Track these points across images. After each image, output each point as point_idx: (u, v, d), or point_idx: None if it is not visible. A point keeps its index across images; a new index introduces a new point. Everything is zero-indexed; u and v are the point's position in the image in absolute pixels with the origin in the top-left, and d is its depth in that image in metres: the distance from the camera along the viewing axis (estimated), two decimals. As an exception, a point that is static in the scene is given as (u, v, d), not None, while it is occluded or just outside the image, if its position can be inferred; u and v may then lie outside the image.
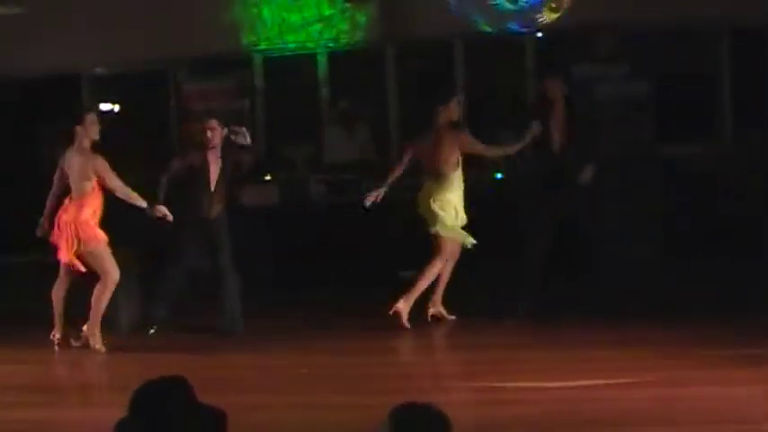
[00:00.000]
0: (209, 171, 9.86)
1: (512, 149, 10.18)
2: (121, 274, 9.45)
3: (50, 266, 9.62)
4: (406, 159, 10.24)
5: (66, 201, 9.49)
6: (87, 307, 9.41)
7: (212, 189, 9.88)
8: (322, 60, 14.32)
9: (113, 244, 9.42)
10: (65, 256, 9.38)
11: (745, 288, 10.55)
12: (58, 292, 9.58)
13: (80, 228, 9.34)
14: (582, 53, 13.24)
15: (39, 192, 9.81)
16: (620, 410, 6.81)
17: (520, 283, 9.81)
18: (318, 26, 14.18)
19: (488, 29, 12.63)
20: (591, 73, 13.02)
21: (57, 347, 9.46)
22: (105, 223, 9.41)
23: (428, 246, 10.04)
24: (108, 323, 9.62)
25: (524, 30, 12.95)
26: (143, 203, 9.44)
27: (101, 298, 9.39)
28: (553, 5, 12.38)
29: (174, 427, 3.40)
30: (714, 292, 10.54)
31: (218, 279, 9.83)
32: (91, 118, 9.56)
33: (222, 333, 9.70)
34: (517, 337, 9.17)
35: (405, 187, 12.56)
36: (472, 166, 12.71)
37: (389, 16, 13.91)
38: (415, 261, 12.23)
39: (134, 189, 9.46)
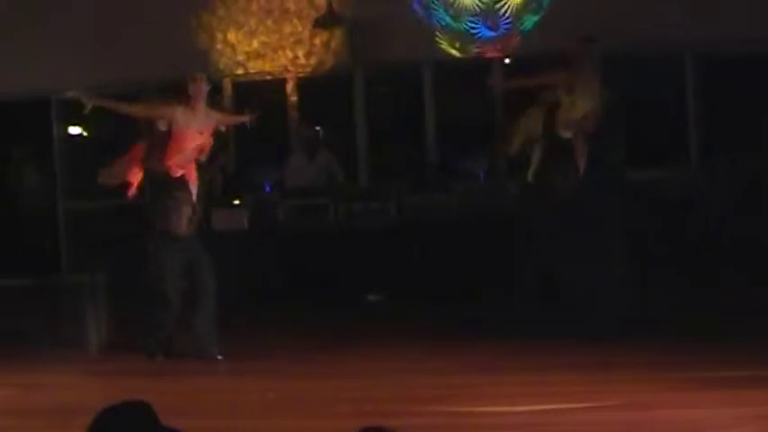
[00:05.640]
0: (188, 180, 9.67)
1: None
2: (91, 297, 9.44)
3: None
4: None
5: None
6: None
7: (194, 200, 9.70)
8: (291, 85, 14.37)
9: (85, 267, 9.40)
10: None
11: (713, 311, 10.64)
12: None
13: None
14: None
15: (10, 213, 9.79)
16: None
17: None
18: (287, 51, 14.25)
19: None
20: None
21: None
22: (77, 245, 9.41)
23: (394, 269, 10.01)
24: (77, 345, 9.60)
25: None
26: None
27: None
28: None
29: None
30: (682, 315, 10.62)
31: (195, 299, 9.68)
32: None
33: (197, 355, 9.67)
34: (482, 361, 9.20)
35: (371, 212, 12.68)
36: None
37: (358, 41, 13.98)
38: (381, 285, 12.36)
39: (106, 213, 9.40)
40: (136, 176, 9.71)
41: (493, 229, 12.12)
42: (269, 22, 14.35)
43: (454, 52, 12.68)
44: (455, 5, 12.46)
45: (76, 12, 14.47)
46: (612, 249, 10.01)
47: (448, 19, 12.73)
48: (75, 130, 14.96)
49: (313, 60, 14.21)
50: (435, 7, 12.61)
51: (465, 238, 12.29)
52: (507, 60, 13.73)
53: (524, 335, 9.70)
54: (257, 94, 14.37)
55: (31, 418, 8.25)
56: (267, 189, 13.58)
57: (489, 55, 12.97)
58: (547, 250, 9.96)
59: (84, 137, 15.12)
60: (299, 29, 14.20)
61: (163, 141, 9.58)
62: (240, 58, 14.33)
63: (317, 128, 13.82)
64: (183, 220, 9.59)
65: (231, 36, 14.30)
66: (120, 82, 14.15)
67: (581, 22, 12.83)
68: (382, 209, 12.72)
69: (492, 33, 12.53)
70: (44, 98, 14.68)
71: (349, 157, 14.21)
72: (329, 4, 14.00)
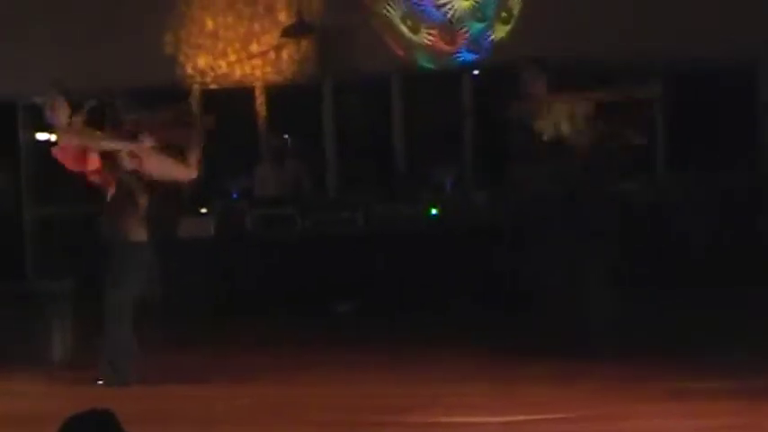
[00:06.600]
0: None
1: None
2: (56, 307, 9.37)
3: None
4: None
5: None
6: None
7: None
8: (259, 94, 14.37)
9: (50, 276, 9.33)
10: None
11: (684, 321, 10.69)
12: None
13: None
14: (519, 89, 13.36)
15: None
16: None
17: None
18: (257, 60, 14.24)
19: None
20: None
21: None
22: (43, 254, 9.35)
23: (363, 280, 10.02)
24: (41, 356, 9.54)
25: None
26: None
27: None
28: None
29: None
30: (653, 325, 10.66)
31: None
32: None
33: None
34: (454, 371, 9.20)
35: (339, 222, 12.68)
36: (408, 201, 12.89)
37: (328, 51, 13.98)
38: (350, 294, 12.36)
39: (72, 219, 9.33)
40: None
41: (460, 239, 12.17)
42: (236, 44, 14.36)
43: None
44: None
45: (43, 18, 14.41)
46: (603, 261, 10.00)
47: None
48: (42, 136, 14.87)
49: (281, 69, 14.20)
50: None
51: (432, 247, 12.31)
52: (476, 72, 13.77)
53: (493, 345, 9.71)
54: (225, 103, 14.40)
55: (-3, 425, 8.21)
56: (234, 197, 13.55)
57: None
58: (539, 258, 9.97)
59: (52, 143, 15.02)
60: (265, 47, 14.21)
61: None
62: (211, 65, 14.34)
63: (286, 137, 13.82)
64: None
65: (201, 61, 14.34)
66: (88, 89, 14.09)
67: (550, 34, 12.94)
68: (350, 218, 12.72)
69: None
70: (10, 104, 14.60)
71: (317, 166, 14.20)
72: (299, 14, 14.00)
